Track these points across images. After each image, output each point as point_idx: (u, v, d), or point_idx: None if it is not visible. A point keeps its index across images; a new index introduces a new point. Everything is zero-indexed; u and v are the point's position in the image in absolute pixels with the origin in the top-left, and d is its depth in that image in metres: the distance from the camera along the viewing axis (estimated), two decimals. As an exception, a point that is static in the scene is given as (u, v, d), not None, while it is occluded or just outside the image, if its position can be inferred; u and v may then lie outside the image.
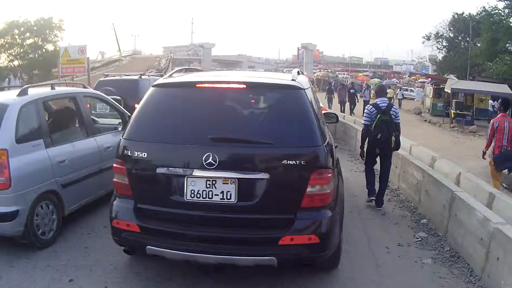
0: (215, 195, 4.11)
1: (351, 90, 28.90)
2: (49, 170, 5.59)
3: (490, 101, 28.38)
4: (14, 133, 5.27)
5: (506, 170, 8.95)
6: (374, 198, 7.69)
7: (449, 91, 26.73)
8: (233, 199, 4.10)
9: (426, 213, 7.13)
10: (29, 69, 34.04)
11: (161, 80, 4.96)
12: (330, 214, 4.23)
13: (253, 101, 4.95)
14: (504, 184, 11.19)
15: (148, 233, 4.26)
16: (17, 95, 5.68)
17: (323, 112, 6.72)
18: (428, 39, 47.79)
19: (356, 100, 29.15)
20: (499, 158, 8.63)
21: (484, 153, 9.31)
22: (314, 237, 4.09)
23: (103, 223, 6.06)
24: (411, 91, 47.98)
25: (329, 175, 4.18)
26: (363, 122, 7.82)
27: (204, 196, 4.11)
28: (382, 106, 7.43)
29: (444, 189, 6.42)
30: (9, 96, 5.75)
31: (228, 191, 4.09)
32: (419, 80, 61.99)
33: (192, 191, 4.13)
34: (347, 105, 28.75)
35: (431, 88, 34.37)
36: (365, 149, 7.70)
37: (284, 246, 4.06)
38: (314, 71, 73.94)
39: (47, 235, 5.55)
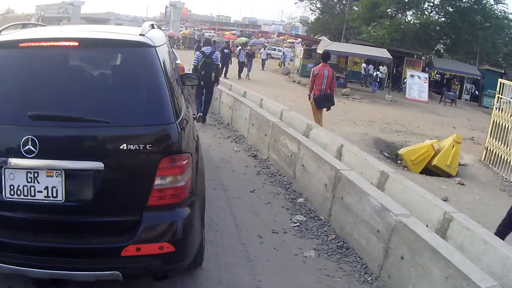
0: (39, 191, 3.20)
1: (225, 50, 25.32)
2: None
3: (363, 65, 29.34)
4: None
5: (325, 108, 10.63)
6: (201, 114, 10.49)
7: (321, 52, 26.64)
8: (60, 197, 3.20)
9: (303, 190, 6.17)
10: None
11: None
12: (188, 213, 3.39)
13: (88, 64, 3.83)
14: (385, 153, 10.93)
15: None
16: None
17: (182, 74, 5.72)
18: (301, 0, 48.34)
19: (230, 62, 26.34)
20: (319, 98, 10.39)
21: (309, 96, 10.79)
22: (167, 245, 3.25)
23: None
24: (279, 51, 47.73)
25: (185, 162, 3.33)
26: (192, 63, 10.80)
27: (25, 194, 3.21)
28: (207, 52, 10.52)
29: (326, 166, 5.47)
30: None
31: (54, 187, 3.19)
32: (288, 41, 62.94)
33: (12, 187, 3.22)
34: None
35: (302, 48, 34.21)
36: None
37: (129, 258, 3.21)
38: (181, 29, 72.71)
39: None
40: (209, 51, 10.60)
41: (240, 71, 25.77)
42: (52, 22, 53.68)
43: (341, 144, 6.39)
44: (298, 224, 5.25)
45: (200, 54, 10.56)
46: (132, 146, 3.18)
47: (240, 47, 29.13)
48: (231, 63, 25.96)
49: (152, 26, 4.18)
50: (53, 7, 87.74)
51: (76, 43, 3.54)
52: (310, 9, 49.41)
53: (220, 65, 18.30)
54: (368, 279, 4.12)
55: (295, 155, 6.58)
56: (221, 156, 7.98)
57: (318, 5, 47.83)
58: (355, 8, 39.21)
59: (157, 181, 3.22)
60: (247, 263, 4.33)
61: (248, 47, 29.92)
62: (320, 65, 11.03)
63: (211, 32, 79.87)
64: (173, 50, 6.31)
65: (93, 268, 3.27)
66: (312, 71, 11.03)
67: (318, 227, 5.16)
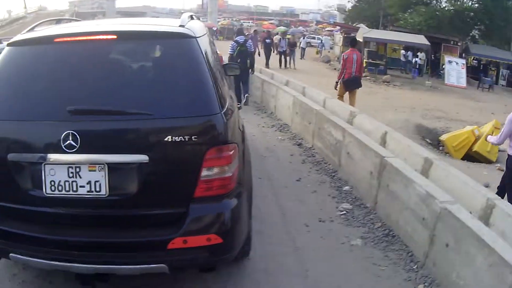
0: (81, 186, 3.16)
1: (266, 40, 25.14)
2: None
3: (402, 51, 28.82)
4: None
5: None
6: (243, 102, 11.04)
7: (361, 40, 26.31)
8: (103, 191, 3.15)
9: (348, 178, 6.17)
10: None
11: (15, 37, 3.71)
12: (235, 204, 3.31)
13: (127, 57, 3.77)
14: (427, 139, 10.79)
15: (8, 238, 3.32)
16: None
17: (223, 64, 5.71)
18: None
19: (272, 51, 25.85)
20: (348, 81, 11.50)
21: (336, 83, 11.80)
22: (214, 237, 3.19)
23: None
24: (318, 39, 47.21)
25: (231, 152, 3.25)
26: (228, 52, 11.37)
27: (67, 189, 3.16)
28: (240, 41, 11.29)
29: (371, 154, 5.45)
30: None
31: (97, 181, 3.14)
32: (326, 29, 62.20)
33: (52, 183, 3.17)
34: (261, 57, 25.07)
35: (341, 36, 33.92)
36: None
37: (176, 251, 3.15)
38: (219, 20, 72.64)
39: None
40: (243, 40, 11.47)
41: (281, 61, 25.28)
42: (87, 17, 54.10)
43: (385, 131, 6.34)
44: (345, 212, 5.25)
45: (235, 43, 11.43)
46: (177, 138, 3.12)
47: (280, 37, 28.22)
48: (273, 52, 25.56)
49: (191, 17, 4.13)
50: (87, 2, 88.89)
51: (115, 36, 3.51)
52: None
53: (259, 53, 18.58)
54: (413, 267, 4.11)
55: (340, 143, 6.55)
56: (266, 146, 8.02)
57: None
58: None
59: (204, 172, 3.16)
60: (294, 252, 4.36)
61: (289, 36, 29.44)
62: (349, 50, 12.07)
63: (249, 22, 79.10)
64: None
65: (139, 261, 3.26)
66: (342, 56, 12.89)
67: (364, 215, 5.16)
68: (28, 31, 3.83)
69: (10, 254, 3.31)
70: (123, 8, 78.50)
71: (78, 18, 6.91)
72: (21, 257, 3.29)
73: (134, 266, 3.23)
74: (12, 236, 3.32)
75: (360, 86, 11.87)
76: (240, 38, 11.51)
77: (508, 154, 5.83)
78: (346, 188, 5.98)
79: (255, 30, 24.44)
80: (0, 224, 3.33)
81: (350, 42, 13.11)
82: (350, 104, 10.45)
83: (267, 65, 22.63)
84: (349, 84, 11.52)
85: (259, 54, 23.45)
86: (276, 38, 30.10)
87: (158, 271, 3.23)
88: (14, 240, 3.31)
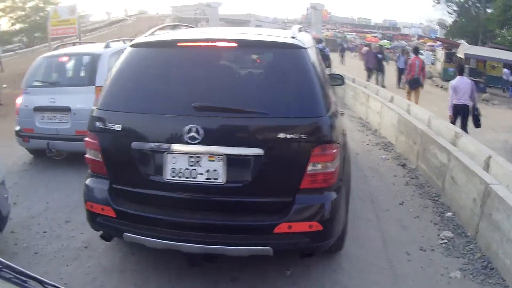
0: (200, 174, 3.60)
1: (378, 55, 23.44)
2: None
3: (504, 70, 27.18)
4: (107, 74, 6.79)
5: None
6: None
7: (462, 56, 25.41)
8: (220, 179, 3.59)
9: (451, 204, 6.14)
10: (30, 32, 33.94)
11: (138, 39, 4.29)
12: (335, 197, 3.72)
13: (245, 62, 4.39)
14: None
15: (125, 219, 3.80)
16: (104, 47, 7.98)
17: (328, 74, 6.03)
18: (439, 2, 46.64)
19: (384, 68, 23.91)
20: (411, 81, 15.32)
21: (402, 82, 16.72)
22: (316, 224, 3.59)
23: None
24: (420, 54, 45.60)
25: (334, 150, 3.64)
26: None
27: (187, 176, 3.62)
28: (320, 47, 12.05)
29: (476, 180, 5.40)
30: (97, 49, 8.13)
31: (215, 170, 3.58)
32: (427, 44, 60.30)
33: (173, 170, 3.63)
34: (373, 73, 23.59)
35: (443, 52, 33.00)
36: None
37: (281, 235, 3.58)
38: (322, 31, 72.99)
39: None
40: (322, 46, 14.68)
41: (399, 79, 23.36)
42: (190, 23, 55.72)
43: (488, 155, 6.23)
44: (446, 241, 5.24)
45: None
46: (288, 135, 3.50)
47: (399, 54, 26.13)
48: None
49: (300, 30, 4.56)
50: (189, 8, 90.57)
51: (235, 44, 3.94)
52: (447, 12, 47.34)
53: (376, 71, 19.45)
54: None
55: (445, 166, 6.51)
56: (370, 165, 8.12)
57: (455, 8, 45.42)
58: (488, 10, 36.77)
59: (310, 167, 3.54)
60: (392, 283, 4.40)
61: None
62: (413, 57, 16.10)
63: (352, 35, 79.46)
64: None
65: (247, 243, 3.63)
66: (408, 62, 16.67)
67: (464, 245, 5.12)
68: (150, 34, 4.39)
69: (124, 234, 3.76)
70: (226, 15, 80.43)
71: (180, 23, 7.69)
72: (136, 236, 3.74)
73: (243, 247, 3.62)
74: (129, 217, 3.78)
75: (420, 85, 15.39)
76: (319, 45, 11.99)
77: None
78: (449, 214, 5.95)
79: (380, 45, 24.27)
80: (118, 205, 3.80)
81: (414, 50, 17.82)
82: (414, 102, 12.95)
83: (382, 84, 21.50)
84: (412, 84, 15.26)
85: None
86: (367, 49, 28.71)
87: (263, 254, 3.59)
88: (130, 220, 3.77)
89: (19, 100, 7.97)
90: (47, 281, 1.63)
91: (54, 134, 7.54)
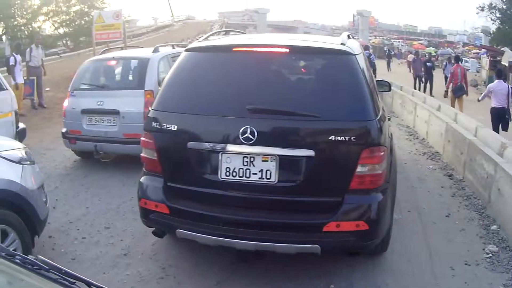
0: (253, 173, 3.78)
1: (427, 64, 23.13)
2: None
3: None
4: (156, 78, 7.61)
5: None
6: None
7: (506, 64, 24.90)
8: (273, 179, 3.76)
9: (496, 216, 6.18)
10: (75, 36, 34.38)
11: (194, 44, 4.56)
12: (381, 198, 3.86)
13: (297, 67, 4.54)
14: None
15: (178, 215, 4.01)
16: (152, 52, 8.21)
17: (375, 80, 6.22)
18: (482, 9, 45.48)
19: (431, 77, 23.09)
20: (455, 89, 15.48)
21: (446, 92, 17.07)
22: (362, 224, 3.75)
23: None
24: (466, 61, 43.73)
25: (382, 153, 3.80)
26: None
27: (240, 175, 3.80)
28: (366, 54, 9.74)
29: (522, 193, 5.48)
30: (146, 53, 8.38)
31: (268, 170, 3.75)
32: (473, 51, 59.12)
33: (228, 169, 3.82)
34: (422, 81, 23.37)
35: (487, 59, 32.42)
36: None
37: (329, 233, 3.75)
38: (370, 38, 72.39)
39: None
40: (368, 54, 15.19)
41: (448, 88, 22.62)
42: (237, 29, 55.36)
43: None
44: (491, 255, 5.28)
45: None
46: (339, 137, 3.65)
47: (447, 61, 25.12)
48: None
49: (349, 37, 4.73)
50: (236, 14, 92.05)
51: (287, 50, 4.18)
52: (491, 19, 45.91)
53: (424, 80, 21.72)
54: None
55: (491, 177, 6.51)
56: (417, 175, 8.18)
57: (498, 15, 44.03)
58: None
59: (359, 168, 3.69)
60: None
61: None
62: (454, 65, 16.71)
63: (399, 42, 78.82)
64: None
65: (296, 241, 3.76)
66: (450, 70, 17.28)
67: (509, 259, 5.15)
68: (204, 39, 4.69)
69: (177, 230, 3.93)
70: (274, 22, 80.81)
71: (227, 29, 8.24)
72: (189, 232, 3.90)
73: (292, 244, 3.76)
74: (182, 214, 3.99)
75: (465, 93, 15.87)
76: (366, 53, 12.49)
77: None
78: (494, 227, 5.97)
79: (430, 54, 24.02)
80: (172, 203, 4.01)
81: (455, 58, 18.22)
82: (459, 110, 13.01)
83: (430, 92, 21.01)
84: (456, 91, 15.64)
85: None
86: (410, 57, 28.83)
87: (311, 251, 3.74)
88: (183, 217, 3.98)
89: (65, 103, 8.20)
90: (95, 282, 1.64)
91: (102, 136, 7.73)
